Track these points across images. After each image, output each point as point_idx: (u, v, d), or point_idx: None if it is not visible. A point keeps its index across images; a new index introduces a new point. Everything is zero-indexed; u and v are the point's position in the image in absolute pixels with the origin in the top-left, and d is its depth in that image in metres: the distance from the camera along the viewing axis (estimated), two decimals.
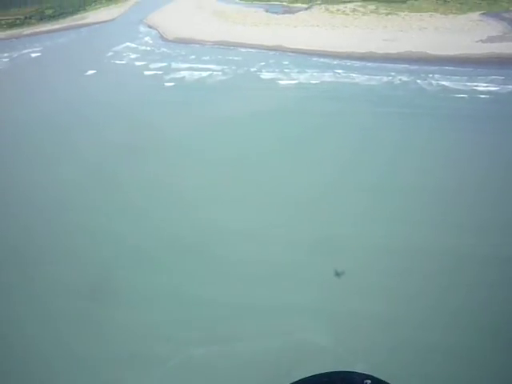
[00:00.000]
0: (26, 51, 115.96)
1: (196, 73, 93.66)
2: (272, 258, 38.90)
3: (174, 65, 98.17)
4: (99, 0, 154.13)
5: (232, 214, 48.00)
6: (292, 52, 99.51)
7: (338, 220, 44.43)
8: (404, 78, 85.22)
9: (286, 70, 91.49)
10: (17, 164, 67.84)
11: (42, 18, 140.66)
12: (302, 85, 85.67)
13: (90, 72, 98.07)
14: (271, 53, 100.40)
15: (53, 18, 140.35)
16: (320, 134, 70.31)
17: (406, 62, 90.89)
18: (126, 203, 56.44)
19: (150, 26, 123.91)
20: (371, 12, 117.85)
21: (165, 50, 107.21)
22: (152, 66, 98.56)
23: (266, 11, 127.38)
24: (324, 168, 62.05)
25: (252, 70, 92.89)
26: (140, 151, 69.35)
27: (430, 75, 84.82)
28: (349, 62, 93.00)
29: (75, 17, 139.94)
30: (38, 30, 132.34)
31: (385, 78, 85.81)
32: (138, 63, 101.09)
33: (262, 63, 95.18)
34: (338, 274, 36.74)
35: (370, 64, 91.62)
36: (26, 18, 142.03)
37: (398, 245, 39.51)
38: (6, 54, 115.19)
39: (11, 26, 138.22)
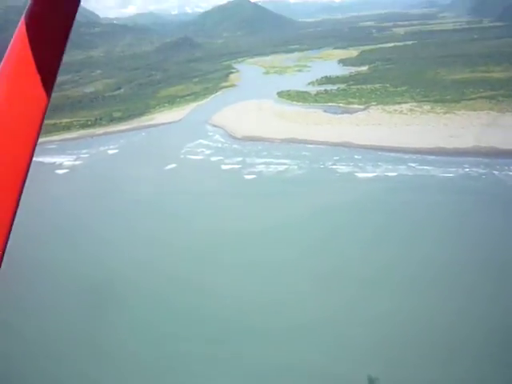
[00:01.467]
0: (102, 148, 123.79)
1: (272, 167, 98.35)
2: None
3: (248, 160, 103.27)
4: (162, 103, 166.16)
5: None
6: (361, 148, 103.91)
7: None
8: (480, 170, 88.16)
9: (360, 164, 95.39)
10: (101, 248, 70.76)
11: (112, 120, 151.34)
12: (379, 177, 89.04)
13: (170, 166, 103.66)
14: (340, 149, 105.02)
15: (121, 119, 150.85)
16: (404, 222, 72.44)
17: (476, 156, 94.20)
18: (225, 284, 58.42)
19: (215, 126, 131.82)
20: (428, 111, 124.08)
21: (236, 146, 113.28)
22: (228, 161, 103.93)
23: (325, 111, 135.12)
24: (407, 254, 63.60)
25: (327, 164, 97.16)
26: (227, 240, 71.86)
27: (506, 167, 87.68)
28: (420, 157, 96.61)
29: (142, 118, 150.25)
30: (109, 130, 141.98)
31: (460, 170, 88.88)
32: (213, 158, 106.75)
33: (336, 157, 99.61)
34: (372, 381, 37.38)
35: (441, 158, 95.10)
36: (96, 119, 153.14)
37: None
38: (84, 151, 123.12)
39: (83, 126, 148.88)
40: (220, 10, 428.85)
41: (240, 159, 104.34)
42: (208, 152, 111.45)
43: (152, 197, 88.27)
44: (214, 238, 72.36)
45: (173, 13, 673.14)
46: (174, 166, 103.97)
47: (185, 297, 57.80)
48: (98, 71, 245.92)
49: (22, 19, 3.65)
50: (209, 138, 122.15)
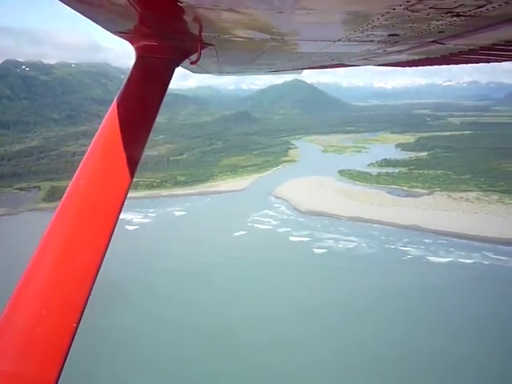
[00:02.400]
0: (169, 209, 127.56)
1: (342, 243, 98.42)
2: None
3: (316, 234, 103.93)
4: (224, 172, 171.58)
5: None
6: (430, 232, 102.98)
7: None
8: None
9: (431, 248, 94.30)
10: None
11: (176, 183, 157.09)
12: (454, 263, 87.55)
13: (239, 233, 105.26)
14: (409, 231, 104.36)
15: (186, 183, 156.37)
16: (482, 312, 70.10)
17: None
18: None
19: (278, 198, 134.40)
20: (496, 201, 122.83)
21: (302, 219, 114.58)
22: (295, 233, 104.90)
23: (388, 193, 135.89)
24: (481, 348, 61.05)
25: (397, 245, 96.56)
26: (297, 311, 71.24)
27: None
28: (493, 246, 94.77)
29: (206, 184, 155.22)
30: (174, 192, 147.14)
31: None
32: (280, 229, 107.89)
33: (405, 239, 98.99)
34: None
35: None
36: (161, 181, 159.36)
37: None
38: (151, 210, 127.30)
39: (149, 186, 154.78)
40: (277, 88, 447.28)
41: (307, 232, 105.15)
42: (274, 222, 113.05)
43: (220, 261, 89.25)
44: (286, 308, 72.05)
45: (229, 88, 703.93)
46: (242, 233, 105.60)
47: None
48: (161, 136, 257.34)
49: (115, 101, 4.08)
50: (274, 209, 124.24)
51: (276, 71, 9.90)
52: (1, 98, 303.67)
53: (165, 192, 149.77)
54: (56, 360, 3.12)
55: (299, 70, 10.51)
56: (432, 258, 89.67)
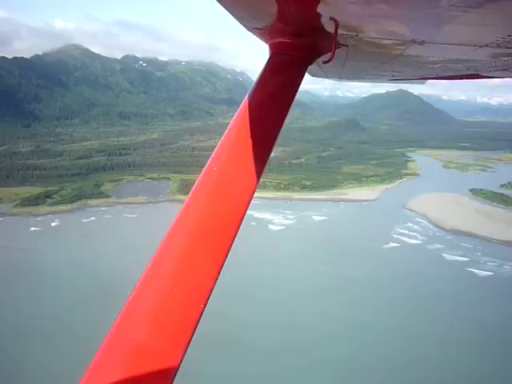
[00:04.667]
0: (307, 213, 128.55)
1: (505, 267, 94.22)
2: None
3: (470, 254, 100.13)
4: (349, 180, 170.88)
5: None
6: None
7: None
8: None
9: None
10: None
11: (304, 187, 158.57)
12: None
13: (389, 245, 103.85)
14: None
15: (313, 188, 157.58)
16: None
17: None
18: None
19: (413, 211, 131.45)
20: None
21: (450, 237, 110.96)
22: (448, 251, 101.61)
23: None
24: None
25: None
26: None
27: None
28: None
29: (334, 191, 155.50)
30: (304, 196, 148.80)
31: None
32: (430, 246, 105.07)
33: None
34: None
35: None
36: (289, 184, 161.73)
37: None
38: (288, 211, 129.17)
39: (277, 188, 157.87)
40: (380, 97, 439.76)
41: (461, 252, 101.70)
42: (422, 238, 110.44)
43: (369, 273, 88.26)
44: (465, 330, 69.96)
45: (325, 94, 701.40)
46: (393, 245, 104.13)
47: None
48: None
49: (247, 96, 3.97)
50: (416, 223, 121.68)
51: (398, 79, 8.44)
52: (122, 91, 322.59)
53: (295, 195, 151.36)
54: (183, 337, 3.18)
55: (422, 81, 9.26)
56: None
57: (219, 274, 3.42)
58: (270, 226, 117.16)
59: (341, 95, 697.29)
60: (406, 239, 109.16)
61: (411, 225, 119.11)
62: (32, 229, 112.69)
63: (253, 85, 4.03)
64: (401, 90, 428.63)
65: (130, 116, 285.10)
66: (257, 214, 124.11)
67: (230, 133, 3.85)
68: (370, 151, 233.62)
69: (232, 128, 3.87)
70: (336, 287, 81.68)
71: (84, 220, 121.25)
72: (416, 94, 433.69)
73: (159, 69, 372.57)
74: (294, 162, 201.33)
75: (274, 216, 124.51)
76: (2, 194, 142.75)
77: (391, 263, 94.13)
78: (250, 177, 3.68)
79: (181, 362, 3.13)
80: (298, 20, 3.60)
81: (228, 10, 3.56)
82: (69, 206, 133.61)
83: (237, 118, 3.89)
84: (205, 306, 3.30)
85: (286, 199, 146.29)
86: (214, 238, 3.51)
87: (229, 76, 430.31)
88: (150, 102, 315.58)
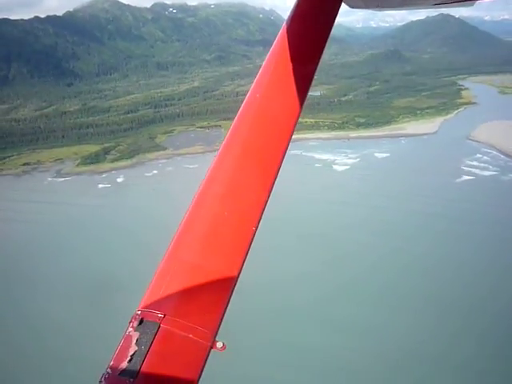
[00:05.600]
0: (368, 151, 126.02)
1: None
2: None
3: None
4: (403, 114, 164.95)
5: None
6: None
7: None
8: None
9: None
10: None
11: (359, 125, 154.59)
12: None
13: (463, 178, 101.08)
14: None
15: (368, 125, 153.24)
16: None
17: None
18: None
19: (479, 142, 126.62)
20: None
21: None
22: None
23: None
24: None
25: None
26: None
27: None
28: None
29: (391, 127, 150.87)
30: (362, 134, 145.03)
31: None
32: (504, 177, 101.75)
33: None
34: None
35: None
36: (342, 122, 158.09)
37: None
38: (349, 151, 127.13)
39: (331, 127, 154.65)
40: (421, 24, 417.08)
41: None
42: (494, 168, 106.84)
43: (447, 208, 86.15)
44: None
45: (357, 26, 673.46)
46: (467, 178, 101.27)
47: None
48: (315, 77, 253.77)
49: (284, 25, 3.95)
50: (485, 154, 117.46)
51: (444, 3, 6.99)
52: (156, 41, 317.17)
53: (352, 133, 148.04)
54: (236, 259, 3.29)
55: (472, 2, 7.07)
56: None
57: (268, 197, 3.40)
58: (335, 167, 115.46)
59: (374, 26, 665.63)
60: (477, 171, 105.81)
61: (480, 156, 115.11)
62: (100, 186, 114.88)
63: (289, 15, 3.96)
64: (442, 15, 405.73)
65: (167, 66, 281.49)
66: (318, 156, 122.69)
67: (269, 62, 3.89)
68: (418, 82, 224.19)
69: (271, 56, 3.88)
70: (421, 223, 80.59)
71: (147, 174, 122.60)
72: (457, 16, 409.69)
73: (190, 14, 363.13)
74: (342, 99, 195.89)
75: (336, 156, 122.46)
76: (62, 153, 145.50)
77: (468, 196, 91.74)
78: (293, 103, 3.72)
79: (236, 281, 3.22)
80: None
81: None
82: (129, 162, 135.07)
83: (275, 47, 3.90)
84: (256, 228, 3.32)
85: (342, 138, 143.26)
86: (261, 162, 3.56)
87: (260, 15, 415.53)
88: (186, 49, 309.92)
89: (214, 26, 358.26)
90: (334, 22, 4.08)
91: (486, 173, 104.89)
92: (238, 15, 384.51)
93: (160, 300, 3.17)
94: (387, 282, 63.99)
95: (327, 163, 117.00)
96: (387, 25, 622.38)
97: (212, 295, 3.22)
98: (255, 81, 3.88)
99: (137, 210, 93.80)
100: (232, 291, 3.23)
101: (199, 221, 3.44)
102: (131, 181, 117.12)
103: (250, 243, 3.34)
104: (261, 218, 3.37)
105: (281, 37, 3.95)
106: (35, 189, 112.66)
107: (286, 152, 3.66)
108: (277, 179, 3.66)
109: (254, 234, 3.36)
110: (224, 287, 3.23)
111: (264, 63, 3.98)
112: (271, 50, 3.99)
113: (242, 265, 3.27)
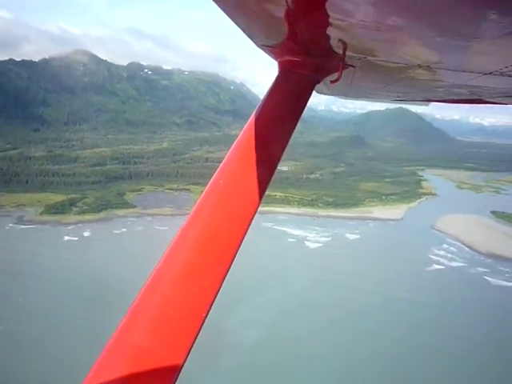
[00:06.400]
0: (340, 230, 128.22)
1: None
2: None
3: None
4: (370, 198, 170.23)
5: None
6: None
7: None
8: None
9: None
10: None
11: (328, 204, 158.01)
12: None
13: (433, 267, 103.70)
14: None
15: (337, 205, 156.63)
16: None
17: None
18: None
19: (442, 232, 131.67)
20: None
21: (489, 261, 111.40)
22: (496, 276, 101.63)
23: None
24: None
25: None
26: None
27: None
28: None
29: (359, 209, 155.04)
30: (331, 214, 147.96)
31: None
32: (472, 270, 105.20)
33: None
34: None
35: None
36: (312, 200, 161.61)
37: None
38: (320, 229, 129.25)
39: (301, 203, 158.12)
40: (380, 115, 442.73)
41: (502, 276, 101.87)
42: (462, 261, 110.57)
43: (421, 295, 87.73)
44: None
45: (320, 108, 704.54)
46: (438, 267, 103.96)
47: None
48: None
49: (254, 112, 4.04)
50: (452, 245, 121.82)
51: (403, 100, 8.78)
52: (128, 98, 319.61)
53: (322, 212, 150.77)
54: (184, 344, 3.27)
55: (427, 102, 9.83)
56: None
57: (221, 284, 3.44)
58: (307, 243, 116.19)
59: (336, 110, 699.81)
60: (446, 261, 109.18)
61: (447, 246, 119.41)
62: (66, 238, 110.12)
63: (261, 101, 4.09)
64: (401, 108, 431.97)
65: (137, 124, 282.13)
66: (290, 231, 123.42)
67: (236, 147, 3.92)
68: (381, 168, 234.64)
69: (239, 142, 3.92)
70: (399, 310, 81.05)
71: (116, 231, 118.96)
72: (413, 111, 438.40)
73: (164, 77, 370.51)
74: (310, 177, 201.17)
75: (308, 233, 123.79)
76: (25, 199, 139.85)
77: (440, 285, 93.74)
78: (255, 192, 3.76)
79: (181, 367, 3.20)
80: (307, 40, 3.67)
81: (239, 27, 3.65)
82: (96, 216, 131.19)
83: (244, 133, 3.94)
84: (206, 315, 3.34)
85: (312, 215, 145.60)
86: (217, 249, 3.59)
87: (231, 87, 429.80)
88: (157, 110, 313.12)
89: (186, 92, 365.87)
90: (303, 110, 4.14)
91: (454, 263, 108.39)
92: (210, 84, 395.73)
93: (102, 381, 3.07)
94: (352, 364, 63.76)
95: (299, 239, 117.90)
96: (347, 111, 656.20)
97: (155, 381, 3.21)
98: (220, 167, 3.89)
99: (106, 270, 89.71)
100: (176, 379, 3.16)
101: (150, 302, 3.42)
102: (99, 236, 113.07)
103: (199, 329, 3.30)
104: (212, 305, 3.36)
105: (250, 124, 3.96)
106: None
107: (242, 241, 3.64)
108: (238, 256, 3.61)
109: (204, 321, 3.35)
110: (169, 374, 3.19)
111: (230, 149, 3.96)
112: (239, 136, 3.99)
113: (189, 352, 3.22)
